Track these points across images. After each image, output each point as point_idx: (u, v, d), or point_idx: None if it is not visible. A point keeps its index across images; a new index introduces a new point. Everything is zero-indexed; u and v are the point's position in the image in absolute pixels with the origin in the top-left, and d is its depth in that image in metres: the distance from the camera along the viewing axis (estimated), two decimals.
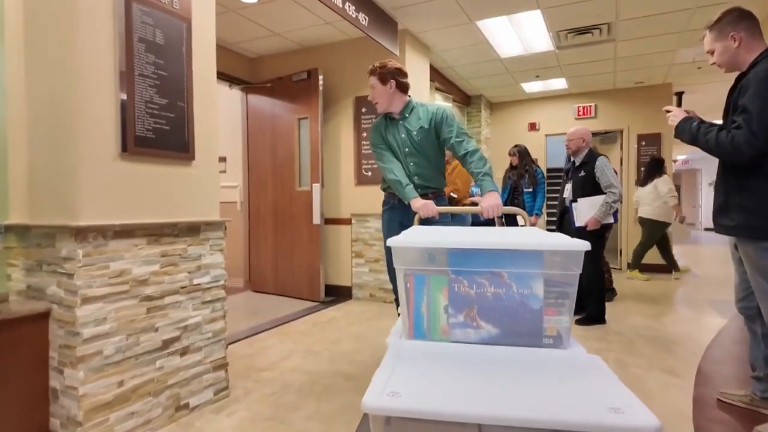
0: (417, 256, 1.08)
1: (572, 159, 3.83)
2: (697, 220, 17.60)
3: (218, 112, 2.32)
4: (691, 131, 2.05)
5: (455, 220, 2.45)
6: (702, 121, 2.07)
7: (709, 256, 8.92)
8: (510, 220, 4.81)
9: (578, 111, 7.20)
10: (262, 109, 5.18)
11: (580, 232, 3.56)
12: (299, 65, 4.97)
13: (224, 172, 5.55)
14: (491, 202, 2.05)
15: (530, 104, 7.54)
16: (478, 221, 4.02)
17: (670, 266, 6.08)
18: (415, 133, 2.37)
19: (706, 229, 16.66)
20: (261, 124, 5.20)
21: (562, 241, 1.06)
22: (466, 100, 7.13)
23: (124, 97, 1.86)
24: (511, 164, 5.12)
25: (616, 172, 5.08)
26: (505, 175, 5.20)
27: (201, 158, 2.22)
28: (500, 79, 6.37)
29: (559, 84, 6.69)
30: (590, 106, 7.13)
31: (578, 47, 5.08)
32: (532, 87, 6.83)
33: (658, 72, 6.12)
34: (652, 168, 5.97)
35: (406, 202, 2.27)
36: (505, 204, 5.06)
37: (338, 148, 4.89)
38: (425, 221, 2.17)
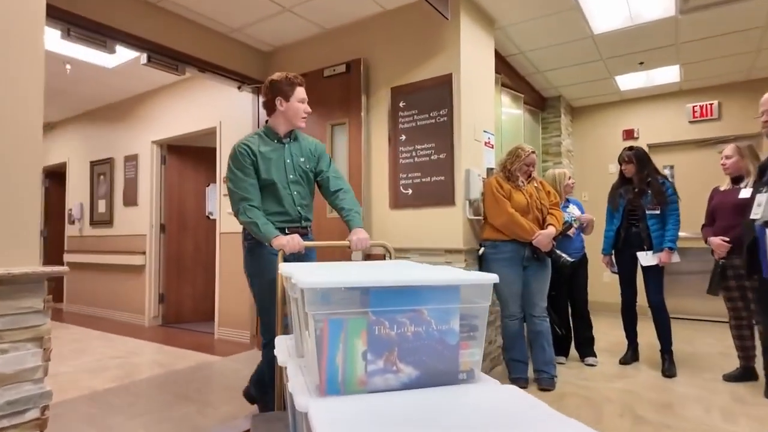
0: (335, 299, 0.94)
1: None
2: None
3: (42, 59, 1.12)
4: None
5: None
6: None
7: None
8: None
9: (693, 112, 5.48)
10: None
11: None
12: (324, 55, 3.81)
13: None
14: (360, 236, 2.21)
15: (624, 107, 5.91)
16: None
17: None
18: (303, 160, 2.36)
19: None
20: None
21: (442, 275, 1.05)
22: (540, 102, 5.66)
23: None
24: (622, 176, 3.47)
25: None
26: (614, 194, 3.49)
27: None
28: (589, 69, 4.85)
29: (668, 75, 5.04)
30: (710, 104, 5.38)
31: (714, 8, 3.52)
32: (629, 82, 5.24)
33: None
34: None
35: (266, 243, 2.10)
36: (618, 232, 3.42)
37: (367, 159, 3.62)
38: (291, 257, 2.11)
